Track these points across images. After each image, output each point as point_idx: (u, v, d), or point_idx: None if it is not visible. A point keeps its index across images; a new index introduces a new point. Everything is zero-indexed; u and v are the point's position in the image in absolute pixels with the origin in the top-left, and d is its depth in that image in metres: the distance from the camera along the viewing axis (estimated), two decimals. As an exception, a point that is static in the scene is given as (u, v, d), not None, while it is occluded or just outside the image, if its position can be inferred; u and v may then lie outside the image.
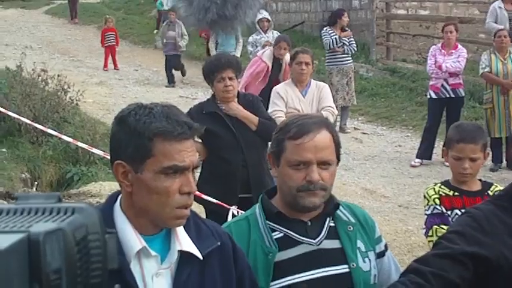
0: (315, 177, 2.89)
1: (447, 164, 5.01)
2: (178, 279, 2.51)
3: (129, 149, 2.45)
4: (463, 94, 12.49)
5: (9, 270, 1.04)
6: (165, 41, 20.41)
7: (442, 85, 12.18)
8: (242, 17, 6.92)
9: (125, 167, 2.47)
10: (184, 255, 2.53)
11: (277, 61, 11.87)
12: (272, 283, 2.90)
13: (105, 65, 22.82)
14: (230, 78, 6.51)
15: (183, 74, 20.79)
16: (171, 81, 20.50)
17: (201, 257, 2.55)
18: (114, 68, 22.77)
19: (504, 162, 12.00)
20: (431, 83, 12.52)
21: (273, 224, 3.00)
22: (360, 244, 3.03)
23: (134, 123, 2.44)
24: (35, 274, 1.08)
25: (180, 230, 2.56)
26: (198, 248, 2.55)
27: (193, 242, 2.56)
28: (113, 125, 2.54)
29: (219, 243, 2.64)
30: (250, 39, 14.27)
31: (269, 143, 6.51)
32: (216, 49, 15.19)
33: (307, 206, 2.94)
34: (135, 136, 2.43)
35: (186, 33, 20.05)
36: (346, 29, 14.75)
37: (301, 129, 2.92)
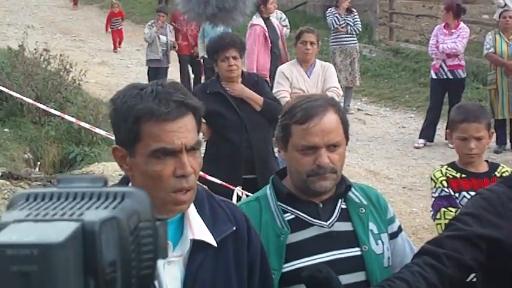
0: (324, 161, 2.84)
1: (451, 145, 4.98)
2: (191, 266, 2.42)
3: (121, 133, 2.38)
4: (463, 76, 12.39)
5: (68, 264, 0.98)
6: (160, 48, 15.51)
7: (440, 66, 12.16)
8: (242, 8, 6.89)
9: (121, 151, 2.40)
10: (197, 242, 2.44)
11: (267, 20, 12.22)
12: (284, 265, 2.86)
13: (115, 47, 22.53)
14: (234, 58, 6.49)
15: None
16: None
17: (215, 245, 2.47)
18: (119, 45, 22.50)
19: (508, 143, 11.97)
20: (432, 63, 12.57)
21: (284, 206, 2.96)
22: (372, 226, 2.99)
23: (121, 106, 2.34)
24: (89, 267, 1.01)
25: (194, 216, 2.46)
26: (212, 234, 2.47)
27: (208, 227, 2.47)
28: (109, 108, 2.46)
29: (234, 228, 2.55)
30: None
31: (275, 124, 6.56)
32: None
33: (318, 191, 2.90)
34: (123, 120, 2.33)
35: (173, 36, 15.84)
36: (353, 10, 14.66)
37: (307, 113, 2.86)
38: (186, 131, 2.33)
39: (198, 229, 2.45)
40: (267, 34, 11.99)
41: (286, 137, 2.92)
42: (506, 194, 2.99)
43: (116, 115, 2.38)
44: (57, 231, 0.99)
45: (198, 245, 2.44)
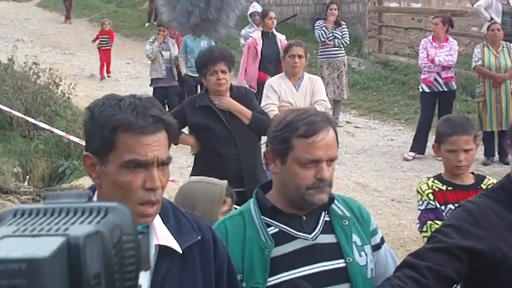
0: (326, 175, 2.89)
1: (440, 158, 5.00)
2: (157, 274, 2.46)
3: (94, 141, 2.41)
4: (455, 87, 12.50)
5: (54, 277, 1.02)
6: (164, 65, 14.14)
7: (435, 79, 12.16)
8: (225, 20, 6.97)
9: (92, 158, 2.43)
10: (163, 249, 2.48)
11: (266, 34, 12.23)
12: (268, 279, 2.89)
13: (102, 73, 20.93)
14: (223, 72, 6.49)
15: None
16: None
17: (180, 251, 2.51)
18: (107, 73, 20.97)
19: (496, 156, 12.00)
20: (423, 76, 12.49)
21: (268, 219, 2.98)
22: (355, 238, 3.03)
23: (98, 115, 2.38)
24: (75, 280, 1.05)
25: (158, 224, 2.50)
26: (177, 242, 2.51)
27: (173, 235, 2.52)
28: (84, 116, 2.50)
29: (199, 237, 2.59)
30: (243, 32, 14.25)
31: (263, 137, 6.56)
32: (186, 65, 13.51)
33: (316, 203, 2.94)
34: (99, 128, 2.37)
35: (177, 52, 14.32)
36: (342, 23, 14.68)
37: (312, 127, 2.90)
38: (159, 145, 2.39)
39: (163, 236, 2.49)
40: (258, 47, 12.06)
41: (286, 150, 2.93)
42: (487, 206, 3.01)
43: (92, 123, 2.42)
44: (43, 246, 1.03)
45: (163, 253, 2.48)
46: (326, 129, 2.91)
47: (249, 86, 11.43)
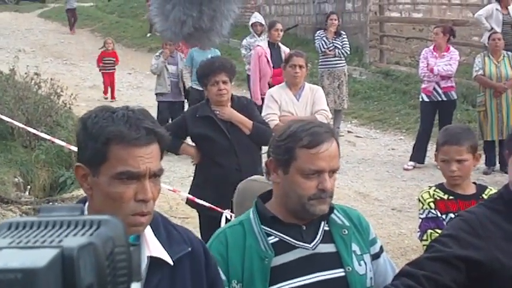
0: (328, 186, 2.91)
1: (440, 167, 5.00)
2: (148, 285, 2.47)
3: (87, 152, 2.42)
4: (455, 97, 12.50)
5: (49, 287, 1.03)
6: (169, 80, 13.72)
7: (434, 88, 12.18)
8: (219, 29, 6.97)
9: (84, 169, 2.44)
10: (154, 261, 2.50)
11: (272, 45, 12.48)
12: None
13: (105, 92, 19.68)
14: (224, 82, 6.50)
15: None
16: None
17: (171, 263, 2.52)
18: (111, 98, 19.31)
19: (497, 165, 12.00)
20: (423, 86, 12.51)
21: (268, 229, 2.99)
22: (355, 247, 3.04)
23: (91, 126, 2.39)
24: None
25: (150, 235, 2.52)
26: (168, 254, 2.53)
27: (163, 247, 2.53)
28: (77, 127, 2.52)
29: (189, 249, 2.61)
30: (244, 42, 14.27)
31: (263, 147, 6.56)
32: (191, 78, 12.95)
33: (317, 214, 2.95)
34: (92, 139, 2.39)
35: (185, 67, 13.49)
36: (342, 32, 14.66)
37: (316, 138, 2.92)
38: (151, 157, 2.40)
39: (155, 247, 2.51)
40: (268, 56, 12.10)
41: (289, 160, 2.95)
42: (486, 216, 3.01)
43: (84, 134, 2.43)
44: (38, 257, 1.04)
45: (154, 265, 2.50)
46: (329, 141, 2.92)
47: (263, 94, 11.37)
